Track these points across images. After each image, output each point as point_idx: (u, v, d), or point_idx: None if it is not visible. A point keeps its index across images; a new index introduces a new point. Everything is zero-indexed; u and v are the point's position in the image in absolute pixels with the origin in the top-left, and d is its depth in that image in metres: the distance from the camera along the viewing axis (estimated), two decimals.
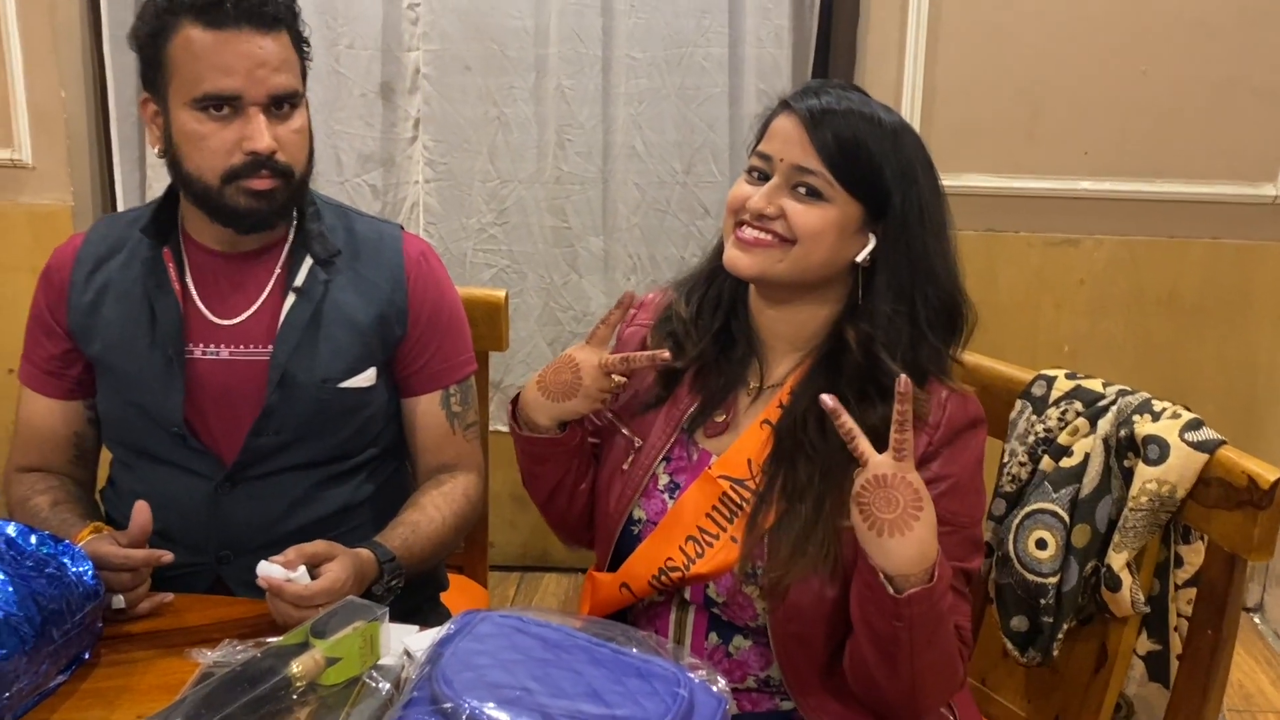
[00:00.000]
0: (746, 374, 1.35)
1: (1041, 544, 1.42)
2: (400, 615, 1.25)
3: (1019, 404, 1.50)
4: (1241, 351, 2.67)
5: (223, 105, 1.37)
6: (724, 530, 1.28)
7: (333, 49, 2.61)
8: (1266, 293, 2.64)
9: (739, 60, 2.65)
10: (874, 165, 1.25)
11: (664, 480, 1.35)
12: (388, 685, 1.12)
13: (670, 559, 1.30)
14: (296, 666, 1.09)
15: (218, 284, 1.48)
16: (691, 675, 1.08)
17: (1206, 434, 1.31)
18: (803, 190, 1.26)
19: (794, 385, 1.30)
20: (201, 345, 1.47)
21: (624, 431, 1.38)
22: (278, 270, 1.49)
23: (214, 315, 1.48)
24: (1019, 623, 1.46)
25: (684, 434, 1.35)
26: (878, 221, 1.27)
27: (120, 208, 2.75)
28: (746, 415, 1.34)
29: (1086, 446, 1.41)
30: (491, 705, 0.99)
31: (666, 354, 1.30)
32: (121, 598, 1.31)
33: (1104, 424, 1.41)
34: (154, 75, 1.41)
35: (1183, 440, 1.31)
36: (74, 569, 1.22)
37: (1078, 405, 1.45)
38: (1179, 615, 1.37)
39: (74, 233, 1.57)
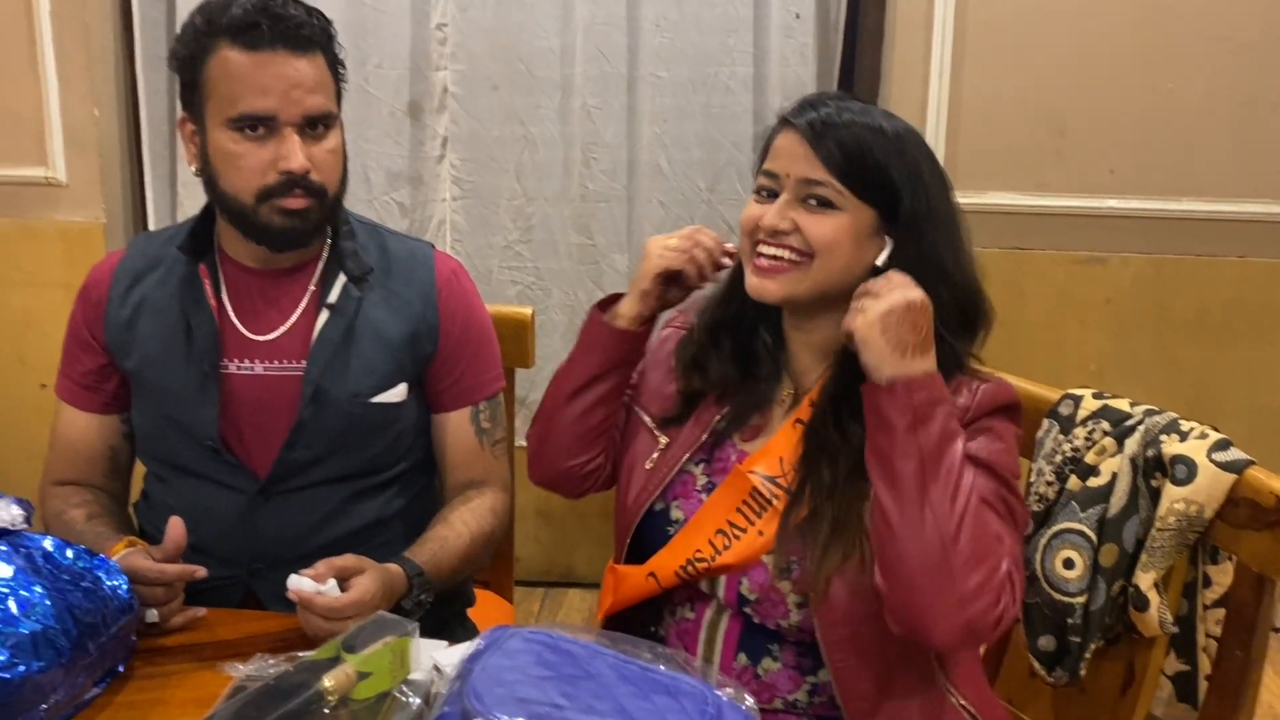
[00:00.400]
0: (777, 390, 1.37)
1: (1069, 563, 1.41)
2: (428, 630, 1.25)
3: (1046, 423, 1.50)
4: (1270, 371, 2.65)
5: (258, 125, 1.39)
6: (752, 524, 1.29)
7: (362, 68, 2.64)
8: None
9: (764, 79, 2.66)
10: (880, 168, 1.26)
11: (702, 481, 1.36)
12: (418, 700, 1.13)
13: (699, 550, 1.31)
14: (328, 681, 1.10)
15: (253, 300, 1.51)
16: (719, 693, 1.08)
17: (1234, 454, 1.31)
18: (813, 202, 1.27)
19: (822, 385, 1.32)
20: (236, 360, 1.49)
21: (650, 427, 1.40)
22: (312, 287, 1.51)
23: (249, 331, 1.50)
24: (1046, 642, 1.46)
25: (721, 437, 1.37)
26: (891, 224, 1.28)
27: (151, 225, 2.79)
28: (781, 417, 1.35)
29: (1114, 466, 1.41)
30: None
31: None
32: (155, 612, 1.32)
33: (1131, 443, 1.40)
34: (191, 95, 1.43)
35: (1211, 460, 1.31)
36: (109, 583, 1.23)
37: (1105, 424, 1.45)
38: (1207, 635, 1.37)
39: (105, 250, 1.60)
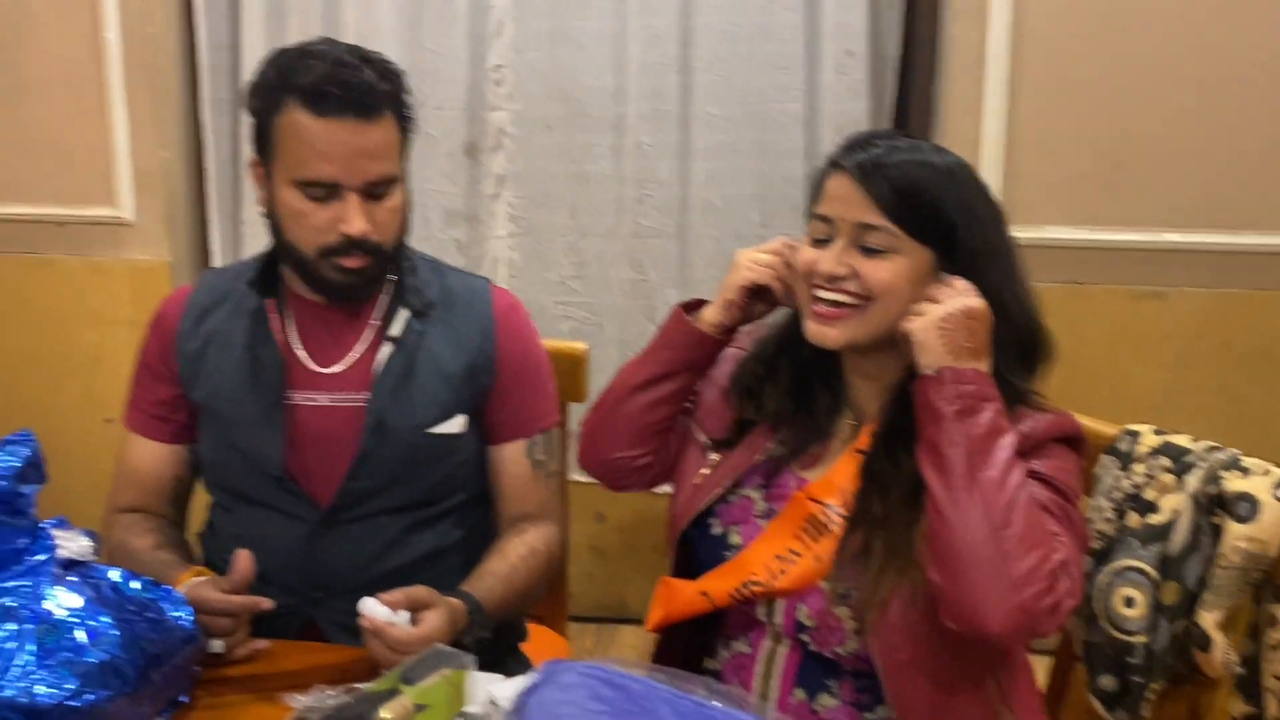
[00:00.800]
0: (836, 420, 1.37)
1: (1130, 601, 1.39)
2: (481, 664, 1.26)
3: (1105, 459, 1.49)
4: None
5: (321, 189, 1.43)
6: (809, 549, 1.29)
7: (420, 110, 2.66)
8: None
9: (817, 115, 2.67)
10: (934, 206, 1.26)
11: (760, 507, 1.36)
12: None
13: (754, 573, 1.31)
14: (386, 713, 1.11)
15: (318, 334, 1.55)
16: None
17: None
18: (870, 246, 1.26)
19: (882, 415, 1.32)
20: (302, 392, 1.52)
21: (701, 443, 1.41)
22: (375, 321, 1.55)
23: (314, 363, 1.53)
24: (1107, 682, 1.44)
25: (779, 464, 1.37)
26: (949, 261, 1.27)
27: (215, 263, 2.85)
28: (840, 446, 1.36)
29: (1175, 503, 1.39)
30: None
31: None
32: (220, 642, 1.34)
33: (1192, 480, 1.38)
34: (262, 144, 1.48)
35: (1275, 498, 1.29)
36: (173, 613, 1.26)
37: (1165, 461, 1.43)
38: (1274, 677, 1.34)
39: (171, 287, 1.66)
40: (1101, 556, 1.46)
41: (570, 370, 1.80)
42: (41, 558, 1.19)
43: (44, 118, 2.75)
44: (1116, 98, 2.50)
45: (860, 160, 1.27)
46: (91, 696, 1.12)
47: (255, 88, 1.47)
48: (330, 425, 1.52)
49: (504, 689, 1.19)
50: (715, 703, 1.10)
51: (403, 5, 2.70)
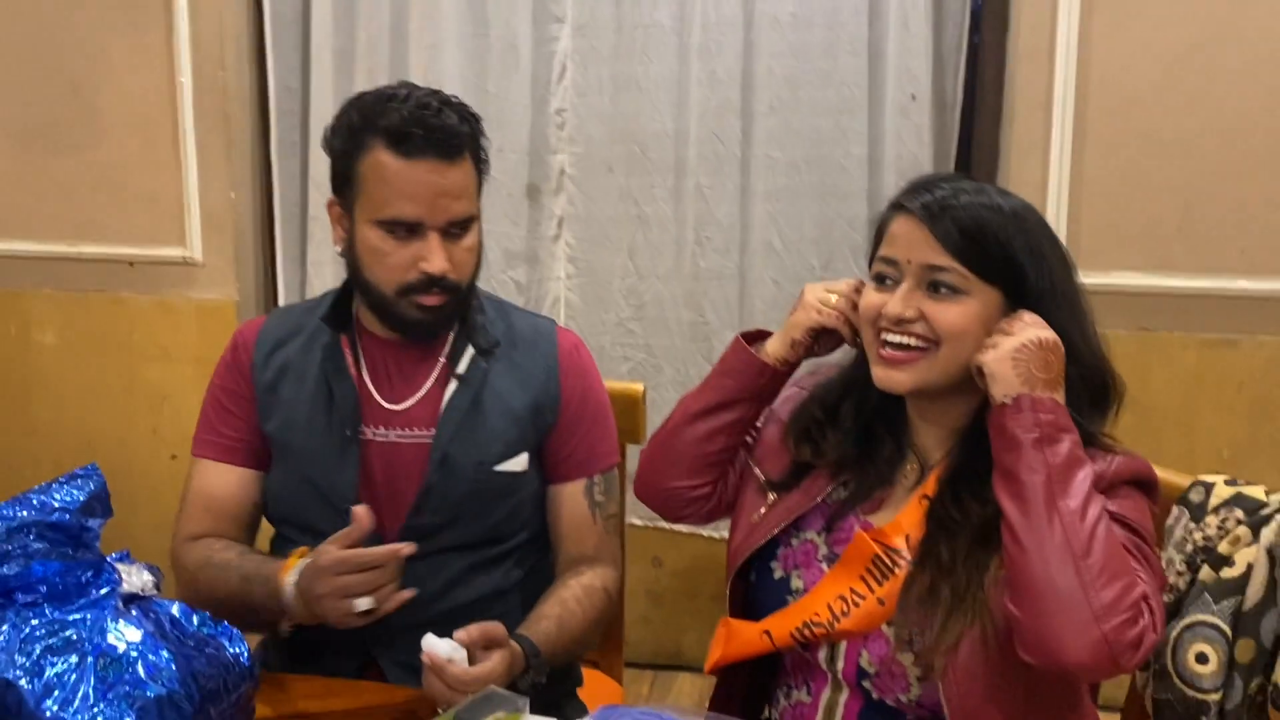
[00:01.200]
0: (900, 466, 1.35)
1: (1202, 658, 1.35)
2: (537, 708, 1.25)
3: (1176, 510, 1.45)
4: None
5: (404, 228, 1.46)
6: (873, 591, 1.27)
7: None
8: None
9: (879, 159, 2.66)
10: (1002, 246, 1.24)
11: (823, 551, 1.35)
12: None
13: (816, 614, 1.29)
14: None
15: (388, 370, 1.57)
16: None
17: None
18: (938, 288, 1.25)
19: (949, 460, 1.30)
20: (373, 427, 1.55)
21: (760, 481, 1.40)
22: (442, 359, 1.57)
23: (384, 400, 1.56)
24: None
25: (843, 508, 1.35)
26: (1017, 304, 1.25)
27: (281, 303, 2.90)
28: (905, 492, 1.34)
29: (1249, 556, 1.35)
30: None
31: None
32: (367, 600, 1.33)
33: (1268, 533, 1.35)
34: (343, 186, 1.51)
35: None
36: (231, 650, 1.26)
37: (1238, 513, 1.39)
38: None
39: (237, 325, 1.71)
40: (1173, 611, 1.42)
41: (628, 411, 1.79)
42: (105, 591, 1.20)
43: (118, 159, 2.82)
44: (1184, 141, 2.47)
45: (926, 202, 1.26)
46: None
47: (337, 129, 1.50)
48: (398, 461, 1.54)
49: None
50: None
51: (468, 50, 2.74)
